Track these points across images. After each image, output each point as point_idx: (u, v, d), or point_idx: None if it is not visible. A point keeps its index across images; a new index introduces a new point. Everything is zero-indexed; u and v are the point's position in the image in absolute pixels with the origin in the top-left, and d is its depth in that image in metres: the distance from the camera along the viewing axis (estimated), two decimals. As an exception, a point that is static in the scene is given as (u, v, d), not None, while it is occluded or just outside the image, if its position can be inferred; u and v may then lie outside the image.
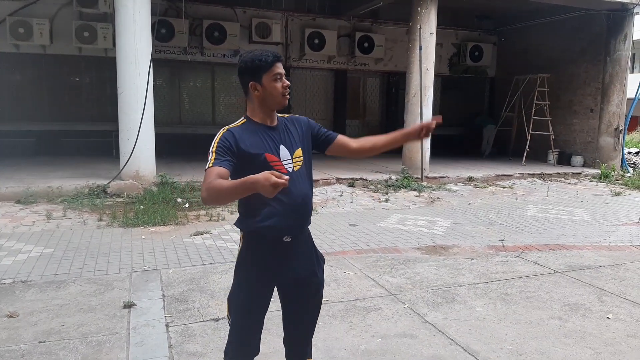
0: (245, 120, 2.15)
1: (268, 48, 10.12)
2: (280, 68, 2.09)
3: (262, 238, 2.13)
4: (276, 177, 1.75)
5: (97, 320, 3.48)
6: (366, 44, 13.15)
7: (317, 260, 2.31)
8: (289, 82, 2.12)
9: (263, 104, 2.12)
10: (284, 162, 2.11)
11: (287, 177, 1.78)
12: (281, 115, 2.25)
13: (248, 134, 2.08)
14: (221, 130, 2.09)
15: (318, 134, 2.30)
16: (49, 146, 10.99)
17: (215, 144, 2.02)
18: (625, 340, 3.37)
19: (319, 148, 2.31)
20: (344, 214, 7.08)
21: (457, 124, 14.94)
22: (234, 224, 2.22)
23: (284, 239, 2.13)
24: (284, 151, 2.12)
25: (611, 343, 3.33)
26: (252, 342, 2.23)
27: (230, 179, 1.96)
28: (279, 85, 2.08)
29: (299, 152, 2.18)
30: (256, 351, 2.27)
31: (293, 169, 2.14)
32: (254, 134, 2.09)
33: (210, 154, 2.00)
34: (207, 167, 1.97)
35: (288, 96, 2.13)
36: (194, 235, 5.64)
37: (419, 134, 2.28)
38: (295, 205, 2.09)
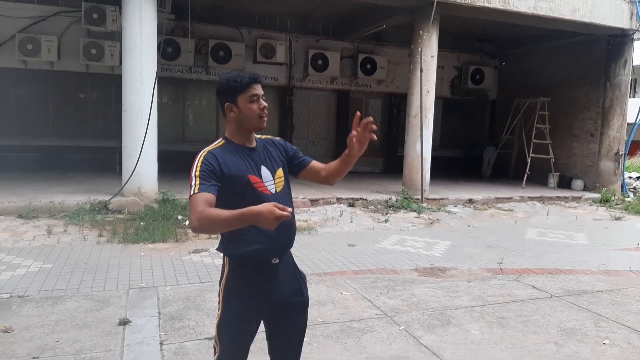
0: (224, 141, 2.11)
1: (271, 68, 10.13)
2: (257, 89, 2.07)
3: (249, 262, 2.08)
4: (279, 209, 1.75)
5: (91, 336, 3.49)
6: (369, 66, 13.31)
7: (300, 279, 2.30)
8: (266, 104, 2.09)
9: (240, 125, 2.09)
10: (266, 183, 2.10)
11: (290, 209, 1.79)
12: (258, 136, 2.24)
13: (229, 155, 2.04)
14: (202, 152, 2.03)
15: (294, 157, 2.28)
16: (53, 161, 11.08)
17: (198, 168, 1.96)
18: (621, 366, 3.36)
19: (291, 171, 2.27)
20: (343, 233, 7.09)
21: (457, 146, 15.04)
22: (217, 249, 2.15)
23: (272, 261, 2.11)
24: (265, 172, 2.11)
25: (606, 369, 3.32)
26: None
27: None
28: (255, 106, 2.06)
29: (280, 172, 2.18)
30: None
31: (276, 189, 2.13)
32: (234, 155, 2.06)
33: (194, 178, 1.94)
34: (192, 193, 1.91)
35: (265, 118, 2.10)
36: (193, 252, 5.66)
37: (356, 141, 2.10)
38: (283, 227, 2.00)
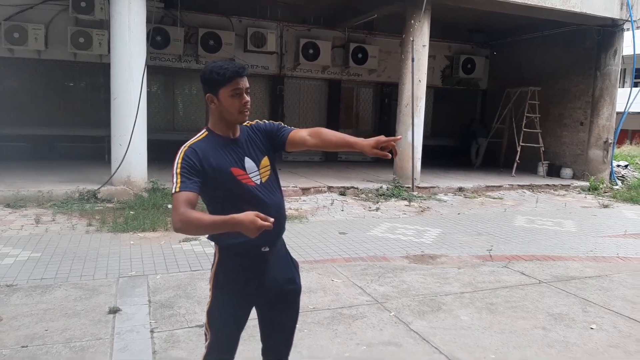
0: (207, 133, 2.08)
1: (262, 57, 10.03)
2: (240, 84, 2.00)
3: (239, 251, 2.07)
4: (261, 219, 1.75)
5: (81, 325, 3.47)
6: (360, 55, 13.26)
7: (293, 267, 2.29)
8: (248, 99, 2.04)
9: (221, 117, 2.06)
10: (250, 175, 2.07)
11: (272, 219, 1.79)
12: (244, 123, 2.17)
13: (211, 149, 2.01)
14: (182, 147, 2.00)
15: (277, 134, 2.19)
16: (41, 151, 10.97)
17: (179, 165, 1.94)
18: (608, 350, 3.41)
19: (279, 147, 2.20)
20: (334, 222, 7.10)
21: (448, 135, 15.09)
22: (208, 238, 2.13)
23: (262, 249, 2.10)
24: (249, 163, 2.08)
25: (594, 353, 3.36)
26: (231, 356, 2.21)
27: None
28: (236, 101, 2.01)
29: (265, 161, 2.14)
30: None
31: (261, 180, 2.10)
32: (217, 148, 2.03)
33: (175, 175, 1.92)
34: (174, 191, 1.90)
35: (247, 112, 2.05)
36: (183, 241, 5.64)
37: (372, 150, 2.03)
38: (271, 216, 1.97)
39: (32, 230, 5.85)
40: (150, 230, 6.05)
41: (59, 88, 11.54)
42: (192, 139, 2.06)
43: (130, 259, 4.96)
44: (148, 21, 7.97)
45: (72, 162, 10.34)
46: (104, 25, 10.14)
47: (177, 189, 1.90)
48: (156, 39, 10.94)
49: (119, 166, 7.62)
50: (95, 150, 11.01)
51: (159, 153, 9.69)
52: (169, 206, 7.12)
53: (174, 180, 1.93)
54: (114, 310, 3.69)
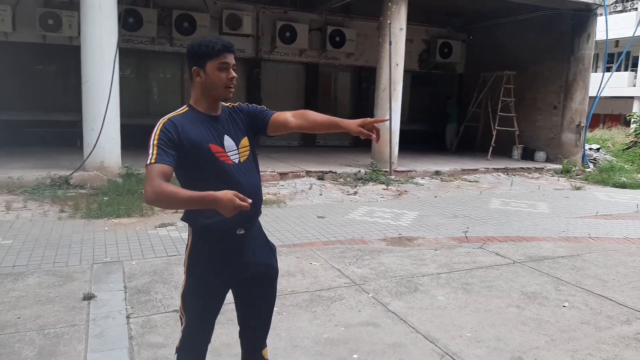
0: (187, 108, 2.05)
1: (238, 40, 9.82)
2: (228, 58, 1.99)
3: (214, 233, 2.04)
4: (240, 199, 1.73)
5: (55, 312, 3.41)
6: (337, 38, 13.17)
7: (270, 250, 2.27)
8: (235, 75, 2.02)
9: (205, 92, 2.03)
10: (229, 153, 2.03)
11: (250, 200, 1.77)
12: (226, 104, 2.16)
13: (190, 124, 1.98)
14: (161, 119, 1.96)
15: (260, 116, 2.18)
16: (11, 136, 10.61)
17: (157, 136, 1.90)
18: (580, 327, 3.50)
19: (261, 130, 2.18)
20: (312, 206, 7.10)
21: (425, 120, 15.16)
22: (181, 219, 2.10)
23: (237, 232, 2.06)
24: (228, 141, 2.04)
25: (566, 330, 3.45)
26: (207, 339, 2.20)
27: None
28: (223, 75, 1.99)
29: (244, 141, 2.10)
30: (208, 343, 2.24)
31: (239, 159, 2.06)
32: (196, 123, 2.00)
33: (151, 147, 1.88)
34: (148, 162, 1.86)
35: (232, 88, 2.02)
36: (159, 227, 5.57)
37: (357, 129, 2.05)
38: (247, 196, 1.94)
39: (2, 217, 5.70)
40: (125, 216, 5.95)
41: (28, 72, 11.16)
42: (172, 113, 2.02)
43: (105, 245, 4.87)
44: (119, 2, 7.73)
45: (43, 148, 10.07)
46: (74, 6, 9.80)
47: (153, 160, 1.86)
48: (128, 20, 10.64)
49: (92, 151, 7.45)
50: (67, 136, 10.73)
51: (134, 138, 9.50)
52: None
53: (150, 151, 1.88)
54: (88, 297, 3.63)
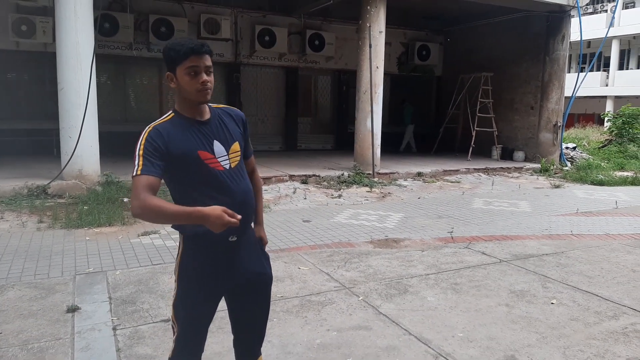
0: (173, 114, 1.97)
1: (216, 44, 9.69)
2: (195, 61, 1.87)
3: (205, 240, 1.97)
4: (229, 215, 1.69)
5: (38, 326, 3.29)
6: (317, 42, 13.20)
7: (263, 256, 2.22)
8: (207, 78, 1.90)
9: (182, 97, 1.94)
10: (219, 159, 1.97)
11: (239, 216, 1.73)
12: (215, 105, 2.09)
13: (177, 131, 1.90)
14: (147, 128, 1.88)
15: (245, 146, 2.15)
16: (-17, 146, 10.35)
17: (142, 146, 1.83)
18: (569, 323, 3.53)
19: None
20: (297, 210, 7.06)
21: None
22: (172, 226, 2.01)
23: (230, 238, 2.00)
24: (218, 147, 1.97)
25: (556, 327, 3.47)
26: (200, 348, 2.14)
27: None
28: (193, 80, 1.88)
29: (235, 146, 2.03)
30: (201, 352, 2.18)
31: (230, 165, 2.00)
32: (183, 130, 1.92)
33: (137, 157, 1.81)
34: (134, 173, 1.80)
35: (208, 91, 1.92)
36: (142, 235, 5.46)
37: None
38: (238, 204, 1.94)
39: (-23, 230, 5.52)
40: (106, 225, 5.82)
41: (1, 79, 10.89)
42: (157, 120, 1.95)
43: (87, 256, 4.75)
44: (95, 7, 7.59)
45: (19, 157, 9.81)
46: (48, 12, 9.61)
47: (139, 172, 1.80)
48: (104, 25, 10.49)
49: (70, 159, 7.28)
50: (43, 144, 10.47)
51: (112, 145, 9.34)
52: (125, 200, 6.87)
53: (136, 162, 1.82)
54: (72, 309, 3.52)
